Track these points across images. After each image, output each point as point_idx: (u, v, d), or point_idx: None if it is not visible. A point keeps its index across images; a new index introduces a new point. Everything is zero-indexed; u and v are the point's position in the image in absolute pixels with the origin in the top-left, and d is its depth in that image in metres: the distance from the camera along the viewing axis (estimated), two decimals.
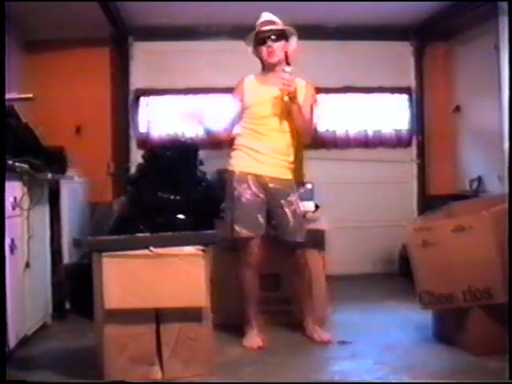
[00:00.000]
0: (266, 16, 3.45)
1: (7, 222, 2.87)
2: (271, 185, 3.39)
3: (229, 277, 3.43)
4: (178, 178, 4.26)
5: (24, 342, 3.29)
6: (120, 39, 5.51)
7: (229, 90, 3.67)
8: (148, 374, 2.83)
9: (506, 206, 2.89)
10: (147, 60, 5.57)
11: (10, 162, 3.21)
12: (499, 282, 2.99)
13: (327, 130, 5.67)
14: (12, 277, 3.01)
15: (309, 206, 3.85)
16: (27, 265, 3.36)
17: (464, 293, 3.11)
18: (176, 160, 4.24)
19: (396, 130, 5.75)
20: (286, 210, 3.40)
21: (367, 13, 5.11)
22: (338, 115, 5.68)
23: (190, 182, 4.29)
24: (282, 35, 3.42)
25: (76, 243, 3.85)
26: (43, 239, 3.79)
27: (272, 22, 3.42)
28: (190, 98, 5.47)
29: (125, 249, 2.83)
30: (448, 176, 5.71)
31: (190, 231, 3.20)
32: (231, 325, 3.51)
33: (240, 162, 3.41)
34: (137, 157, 5.15)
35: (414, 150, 5.80)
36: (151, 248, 2.84)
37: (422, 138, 5.78)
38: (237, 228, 3.34)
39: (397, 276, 5.25)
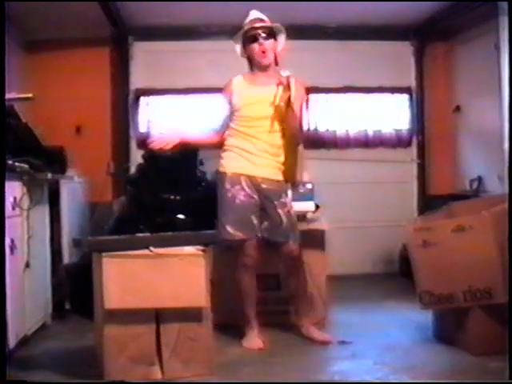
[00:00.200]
0: (255, 14, 3.40)
1: (7, 222, 2.87)
2: (264, 186, 3.37)
3: (229, 277, 3.43)
4: (178, 178, 4.26)
5: (24, 342, 3.29)
6: (120, 39, 5.51)
7: None
8: (148, 373, 2.83)
9: (506, 205, 2.89)
10: (147, 60, 5.57)
11: (10, 162, 3.21)
12: (499, 282, 2.99)
13: (327, 130, 5.68)
14: (12, 277, 3.01)
15: (309, 206, 3.84)
16: (27, 265, 3.36)
17: (464, 293, 3.11)
18: (176, 160, 4.23)
19: (396, 130, 5.76)
20: (280, 211, 3.38)
21: (367, 13, 5.11)
22: (337, 115, 5.68)
23: (190, 182, 4.29)
24: (271, 34, 3.37)
25: (76, 243, 3.85)
26: (43, 239, 3.79)
27: (262, 20, 3.38)
28: (190, 97, 5.48)
29: (125, 249, 2.83)
30: (448, 176, 5.71)
31: (190, 231, 3.20)
32: (231, 325, 3.51)
33: (232, 163, 3.38)
34: (137, 157, 5.15)
35: (414, 149, 5.81)
36: (151, 248, 2.83)
37: (422, 137, 5.78)
38: (231, 231, 3.32)
39: (397, 276, 5.25)
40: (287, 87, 3.24)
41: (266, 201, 3.38)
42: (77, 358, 3.17)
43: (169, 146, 3.39)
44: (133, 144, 5.54)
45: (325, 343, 3.39)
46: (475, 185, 5.21)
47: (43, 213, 3.79)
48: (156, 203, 4.13)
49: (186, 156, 4.36)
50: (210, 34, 5.32)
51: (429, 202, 5.52)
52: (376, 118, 5.72)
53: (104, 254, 2.78)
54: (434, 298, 3.23)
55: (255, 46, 3.34)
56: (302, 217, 3.70)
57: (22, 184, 3.32)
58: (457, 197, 4.83)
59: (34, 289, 3.49)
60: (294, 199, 3.59)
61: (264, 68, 3.40)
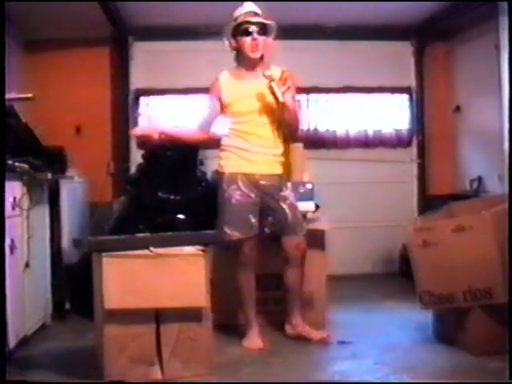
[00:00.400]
0: (250, 6, 3.35)
1: (7, 222, 2.87)
2: (262, 182, 3.36)
3: (229, 277, 3.43)
4: (178, 178, 4.25)
5: (24, 342, 3.29)
6: (120, 39, 5.52)
7: None
8: (148, 374, 2.83)
9: (506, 205, 2.89)
10: (147, 60, 5.57)
11: (10, 162, 3.21)
12: (499, 282, 2.98)
13: (327, 130, 5.68)
14: (12, 277, 3.01)
15: (309, 206, 3.84)
16: (27, 265, 3.36)
17: (464, 293, 3.11)
18: (176, 160, 4.23)
19: (396, 130, 5.76)
20: (283, 205, 3.38)
21: (367, 13, 5.11)
22: (337, 115, 5.68)
23: (190, 182, 4.29)
24: (264, 30, 3.33)
25: (76, 243, 3.85)
26: (43, 239, 3.78)
27: (257, 14, 3.33)
28: (190, 97, 5.47)
29: (125, 249, 2.83)
30: (448, 176, 5.71)
31: (190, 231, 3.20)
32: (231, 325, 3.51)
33: (230, 163, 3.37)
34: (137, 157, 5.14)
35: (414, 149, 5.81)
36: (151, 248, 2.83)
37: (422, 137, 5.78)
38: (228, 231, 3.31)
39: (397, 276, 5.24)
40: (281, 79, 3.23)
41: (266, 197, 3.37)
42: (77, 358, 3.17)
43: (148, 134, 3.38)
44: (133, 144, 5.53)
45: (324, 341, 3.39)
46: (475, 185, 5.21)
47: (43, 213, 3.79)
48: (156, 203, 4.13)
49: (186, 156, 4.36)
50: (210, 33, 5.31)
51: (429, 202, 5.52)
52: (376, 118, 5.72)
53: (104, 254, 2.77)
54: (434, 297, 3.23)
55: (247, 40, 3.30)
56: (302, 217, 3.69)
57: (22, 184, 3.32)
58: (457, 197, 4.83)
59: (33, 289, 3.49)
60: (295, 201, 3.59)
61: (252, 62, 3.36)
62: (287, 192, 3.45)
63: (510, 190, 2.78)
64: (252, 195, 3.35)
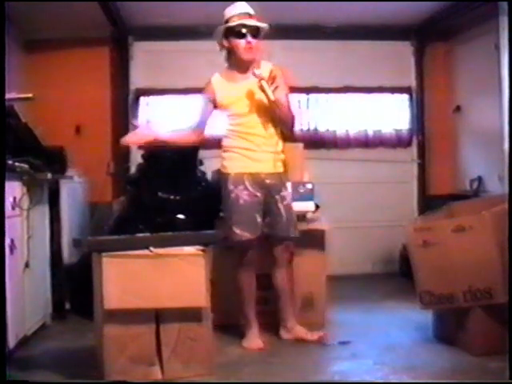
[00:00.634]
0: (244, 7, 3.32)
1: (7, 222, 2.87)
2: (268, 181, 3.37)
3: (229, 277, 3.43)
4: (178, 178, 4.25)
5: (24, 342, 3.29)
6: (120, 39, 5.51)
7: None
8: (148, 374, 2.83)
9: (506, 205, 2.89)
10: (147, 60, 5.57)
11: (10, 162, 3.21)
12: (499, 282, 2.98)
13: (327, 130, 5.68)
14: (12, 277, 3.01)
15: (309, 206, 3.84)
16: (27, 265, 3.36)
17: (464, 293, 3.11)
18: (176, 160, 4.23)
19: (396, 130, 5.76)
20: (280, 205, 3.39)
21: (367, 13, 5.11)
22: (338, 115, 5.68)
23: (190, 182, 4.29)
24: (257, 31, 3.31)
25: (76, 243, 3.84)
26: (43, 239, 3.79)
27: (250, 15, 3.30)
28: (190, 97, 5.47)
29: (125, 249, 2.83)
30: (448, 176, 5.71)
31: (190, 231, 3.20)
32: (231, 325, 3.51)
33: (235, 164, 3.38)
34: (137, 157, 5.14)
35: (414, 149, 5.81)
36: (151, 248, 2.83)
37: (423, 137, 5.78)
38: (238, 232, 3.32)
39: (397, 276, 5.24)
40: (269, 79, 3.23)
41: (268, 196, 3.38)
42: (77, 358, 3.17)
43: (141, 142, 3.37)
44: None
45: (321, 340, 3.39)
46: (475, 185, 5.21)
47: (43, 213, 3.79)
48: (156, 203, 4.13)
49: (186, 156, 4.36)
50: (210, 34, 5.30)
51: (429, 202, 5.52)
52: (376, 118, 5.72)
53: (104, 254, 2.78)
54: (434, 298, 3.23)
55: (241, 42, 3.29)
56: (302, 217, 3.69)
57: (22, 184, 3.33)
58: (457, 197, 4.83)
59: (33, 289, 3.49)
60: (294, 199, 3.59)
61: (245, 64, 3.36)
62: (286, 192, 3.46)
63: (510, 190, 2.78)
64: (258, 194, 3.36)
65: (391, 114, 5.76)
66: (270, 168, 3.39)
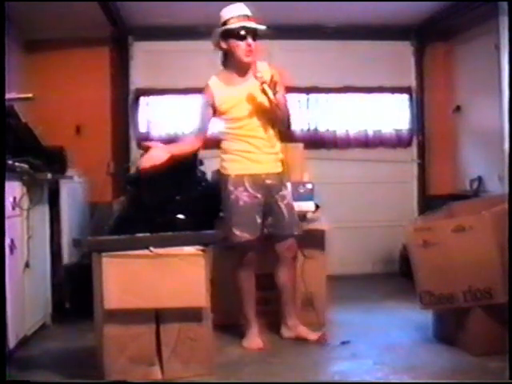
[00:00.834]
0: (242, 9, 3.31)
1: (7, 222, 2.87)
2: (268, 181, 3.38)
3: (229, 277, 3.43)
4: (178, 178, 4.25)
5: (24, 342, 3.29)
6: (120, 39, 5.51)
7: None
8: (148, 374, 2.83)
9: (506, 205, 2.89)
10: (147, 60, 5.57)
11: (10, 162, 3.21)
12: (499, 282, 2.98)
13: (327, 130, 5.68)
14: (12, 277, 3.01)
15: (309, 206, 3.84)
16: (27, 265, 3.36)
17: (464, 293, 3.11)
18: (176, 160, 4.22)
19: (396, 130, 5.76)
20: (281, 204, 3.40)
21: (367, 13, 5.11)
22: (338, 115, 5.68)
23: (190, 182, 4.28)
24: (255, 33, 3.30)
25: (76, 243, 3.84)
26: (43, 239, 3.79)
27: (249, 18, 3.29)
28: (190, 97, 5.47)
29: (125, 249, 2.83)
30: (448, 176, 5.71)
31: (190, 231, 3.20)
32: (231, 325, 3.51)
33: (235, 165, 3.38)
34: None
35: (414, 149, 5.81)
36: (151, 248, 2.83)
37: (423, 137, 5.78)
38: (237, 233, 3.32)
39: (397, 276, 5.24)
40: (271, 83, 3.23)
41: (269, 196, 3.39)
42: (77, 358, 3.17)
43: (158, 163, 3.34)
44: (133, 144, 5.54)
45: (321, 340, 3.39)
46: (475, 185, 5.21)
47: (43, 213, 3.79)
48: (156, 203, 4.13)
49: (186, 156, 4.35)
50: (210, 34, 5.31)
51: (429, 202, 5.52)
52: (376, 118, 5.72)
53: (104, 253, 2.78)
54: (434, 298, 3.23)
55: (241, 44, 3.27)
56: (302, 217, 3.69)
57: (22, 184, 3.33)
58: (457, 197, 4.83)
59: (33, 289, 3.49)
60: (294, 199, 3.59)
61: (244, 66, 3.35)
62: (286, 191, 3.46)
63: (510, 190, 2.78)
64: (258, 195, 3.36)
65: (391, 113, 5.76)
66: (269, 168, 3.40)
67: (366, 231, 5.58)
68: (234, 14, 3.28)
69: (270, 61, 3.54)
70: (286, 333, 3.49)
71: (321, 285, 3.80)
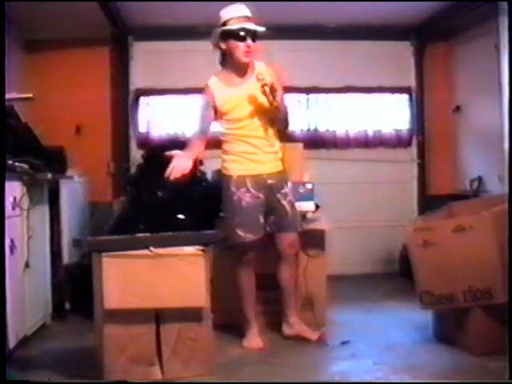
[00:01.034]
0: (242, 10, 3.31)
1: (7, 222, 2.87)
2: (269, 181, 3.39)
3: (229, 277, 3.43)
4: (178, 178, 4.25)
5: (24, 342, 3.29)
6: (120, 39, 5.51)
7: None
8: (148, 374, 2.83)
9: (506, 206, 2.89)
10: (147, 60, 5.57)
11: (10, 162, 3.21)
12: (499, 282, 2.98)
13: (327, 130, 5.68)
14: (12, 277, 3.01)
15: (309, 206, 3.84)
16: (27, 265, 3.36)
17: (464, 293, 3.11)
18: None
19: (396, 130, 5.76)
20: (284, 202, 3.42)
21: (367, 13, 5.11)
22: (338, 115, 5.68)
23: (190, 182, 4.28)
24: (255, 34, 3.30)
25: (76, 243, 3.84)
26: (43, 239, 3.79)
27: (249, 19, 3.29)
28: (190, 97, 5.47)
29: (125, 249, 2.83)
30: (448, 176, 5.71)
31: (190, 231, 3.20)
32: (231, 325, 3.51)
33: (236, 166, 3.39)
34: (137, 157, 5.14)
35: (414, 149, 5.81)
36: (151, 248, 2.83)
37: (422, 138, 5.78)
38: (241, 233, 3.33)
39: (397, 276, 5.24)
40: (265, 81, 3.25)
41: (271, 195, 3.40)
42: (77, 358, 3.17)
43: (187, 171, 3.34)
44: (133, 144, 5.54)
45: (321, 339, 3.39)
46: (475, 185, 5.21)
47: (43, 213, 3.79)
48: (156, 203, 4.13)
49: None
50: (210, 34, 5.32)
51: (429, 202, 5.52)
52: (376, 118, 5.72)
53: (104, 253, 2.78)
54: (434, 298, 3.23)
55: (241, 45, 3.28)
56: (302, 217, 3.69)
57: (22, 184, 3.33)
58: (457, 197, 4.83)
59: (33, 289, 3.49)
60: (294, 199, 3.59)
61: (243, 67, 3.36)
62: (287, 189, 3.48)
63: (510, 190, 2.78)
64: (261, 195, 3.37)
65: (391, 113, 5.76)
66: (271, 168, 3.41)
67: (366, 231, 5.58)
68: (234, 15, 3.29)
69: (269, 61, 3.54)
70: (287, 330, 3.50)
71: (321, 285, 3.80)
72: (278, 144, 3.46)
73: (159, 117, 5.58)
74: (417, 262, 3.32)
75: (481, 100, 5.12)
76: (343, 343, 3.36)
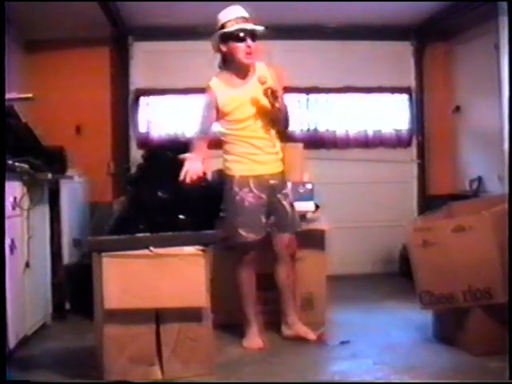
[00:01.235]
0: (240, 12, 3.32)
1: (7, 222, 2.87)
2: (272, 181, 3.40)
3: (229, 277, 3.43)
4: (178, 178, 4.25)
5: (24, 342, 3.29)
6: (120, 39, 5.51)
7: None
8: (148, 374, 2.83)
9: (506, 205, 2.89)
10: (147, 60, 5.57)
11: (10, 162, 3.21)
12: (499, 282, 2.99)
13: (327, 130, 5.68)
14: (12, 277, 3.01)
15: (309, 206, 3.84)
16: (27, 265, 3.36)
17: (464, 293, 3.11)
18: (176, 160, 4.23)
19: (396, 130, 5.76)
20: (284, 203, 3.43)
21: (367, 13, 5.11)
22: (338, 115, 5.68)
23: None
24: (254, 34, 3.31)
25: (76, 243, 3.85)
26: (43, 239, 3.79)
27: (247, 19, 3.30)
28: (190, 97, 5.47)
29: (125, 249, 2.83)
30: (448, 176, 5.71)
31: (190, 231, 3.20)
32: (231, 325, 3.51)
33: (239, 167, 3.39)
34: (137, 157, 5.14)
35: (414, 150, 5.81)
36: (151, 248, 2.84)
37: (422, 138, 5.78)
38: (243, 233, 3.34)
39: (397, 276, 5.24)
40: (267, 83, 3.26)
41: (272, 196, 3.41)
42: (77, 358, 3.17)
43: (201, 174, 3.35)
44: (133, 144, 5.54)
45: (321, 339, 3.39)
46: (475, 185, 5.21)
47: (43, 213, 3.79)
48: (156, 203, 4.13)
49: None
50: (210, 34, 5.30)
51: (429, 202, 5.52)
52: (376, 118, 5.71)
53: (104, 254, 2.78)
54: (434, 298, 3.23)
55: (241, 46, 3.29)
56: (302, 217, 3.69)
57: (22, 184, 3.33)
58: (457, 197, 4.83)
59: (33, 289, 3.49)
60: (294, 199, 3.60)
61: (244, 68, 3.37)
62: (287, 189, 3.50)
63: (510, 190, 2.78)
64: (263, 196, 3.38)
65: (391, 114, 5.76)
66: (273, 169, 3.42)
67: (366, 231, 5.58)
68: (232, 17, 3.30)
69: (269, 61, 3.54)
70: (286, 331, 3.50)
71: (321, 285, 3.80)
72: (278, 144, 3.47)
73: (159, 117, 5.57)
74: (417, 262, 3.32)
75: (480, 100, 5.12)
76: (342, 343, 3.36)
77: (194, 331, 2.87)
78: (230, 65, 3.39)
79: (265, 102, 3.30)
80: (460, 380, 2.76)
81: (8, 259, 2.93)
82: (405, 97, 5.78)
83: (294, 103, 5.42)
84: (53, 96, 5.06)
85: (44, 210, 3.80)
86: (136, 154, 5.33)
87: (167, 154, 4.30)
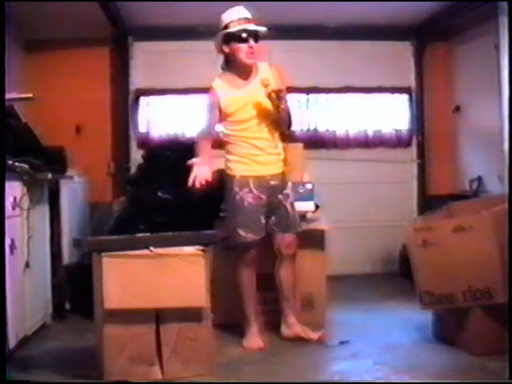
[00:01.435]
0: (243, 12, 3.32)
1: (7, 222, 2.87)
2: (272, 182, 3.40)
3: (229, 277, 3.44)
4: (178, 178, 4.25)
5: (24, 342, 3.29)
6: (120, 39, 5.52)
7: None
8: (148, 374, 2.83)
9: (506, 206, 2.90)
10: (147, 60, 5.57)
11: (10, 162, 3.21)
12: (499, 282, 2.99)
13: (327, 130, 5.68)
14: (12, 277, 3.01)
15: (309, 206, 3.84)
16: (27, 265, 3.36)
17: (464, 293, 3.11)
18: (176, 160, 4.23)
19: (396, 130, 5.76)
20: (285, 203, 3.43)
21: (367, 13, 5.11)
22: (338, 115, 5.68)
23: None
24: (257, 35, 3.32)
25: (76, 243, 3.85)
26: (43, 239, 3.79)
27: (249, 20, 3.30)
28: (190, 97, 5.47)
29: (125, 249, 2.83)
30: (448, 176, 5.71)
31: (190, 231, 3.20)
32: (231, 325, 3.51)
33: (240, 167, 3.39)
34: (137, 157, 5.15)
35: (414, 150, 5.81)
36: (151, 248, 2.84)
37: (422, 138, 5.78)
38: (242, 233, 3.34)
39: (397, 276, 5.24)
40: (271, 86, 3.27)
41: (272, 197, 3.41)
42: (77, 358, 3.17)
43: (209, 178, 3.35)
44: (133, 144, 5.54)
45: (321, 340, 3.39)
46: (475, 185, 5.22)
47: (43, 213, 3.79)
48: (156, 203, 4.13)
49: (186, 156, 4.35)
50: (210, 33, 5.29)
51: (429, 202, 5.52)
52: (376, 118, 5.72)
53: (104, 253, 2.78)
54: (434, 298, 3.23)
55: (243, 46, 3.29)
56: (302, 217, 3.69)
57: (22, 184, 3.33)
58: (457, 197, 4.83)
59: (33, 289, 3.49)
60: (294, 199, 3.59)
61: (247, 68, 3.37)
62: (288, 190, 3.49)
63: (510, 190, 2.78)
64: (263, 196, 3.38)
65: (391, 114, 5.76)
66: (274, 170, 3.42)
67: (366, 231, 5.58)
68: (234, 18, 3.30)
69: (269, 61, 3.54)
70: (285, 331, 3.49)
71: (321, 285, 3.80)
72: (280, 145, 3.47)
73: (159, 117, 5.58)
74: (417, 262, 3.32)
75: (480, 100, 5.13)
76: (342, 343, 3.36)
77: (193, 331, 2.87)
78: (233, 65, 3.39)
79: (267, 103, 3.30)
80: (460, 380, 2.76)
81: (8, 259, 2.93)
82: (405, 97, 5.78)
83: (294, 103, 5.41)
84: (53, 96, 5.06)
85: (44, 210, 3.80)
86: (136, 154, 5.33)
87: (167, 154, 4.31)
